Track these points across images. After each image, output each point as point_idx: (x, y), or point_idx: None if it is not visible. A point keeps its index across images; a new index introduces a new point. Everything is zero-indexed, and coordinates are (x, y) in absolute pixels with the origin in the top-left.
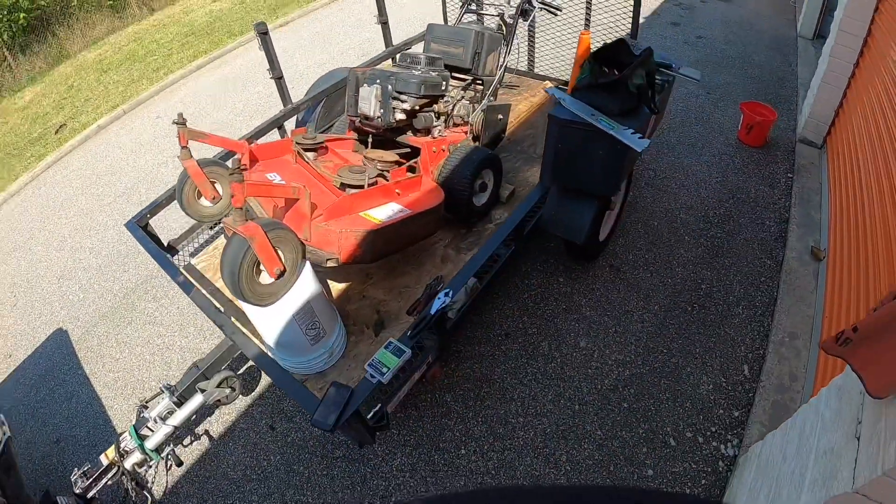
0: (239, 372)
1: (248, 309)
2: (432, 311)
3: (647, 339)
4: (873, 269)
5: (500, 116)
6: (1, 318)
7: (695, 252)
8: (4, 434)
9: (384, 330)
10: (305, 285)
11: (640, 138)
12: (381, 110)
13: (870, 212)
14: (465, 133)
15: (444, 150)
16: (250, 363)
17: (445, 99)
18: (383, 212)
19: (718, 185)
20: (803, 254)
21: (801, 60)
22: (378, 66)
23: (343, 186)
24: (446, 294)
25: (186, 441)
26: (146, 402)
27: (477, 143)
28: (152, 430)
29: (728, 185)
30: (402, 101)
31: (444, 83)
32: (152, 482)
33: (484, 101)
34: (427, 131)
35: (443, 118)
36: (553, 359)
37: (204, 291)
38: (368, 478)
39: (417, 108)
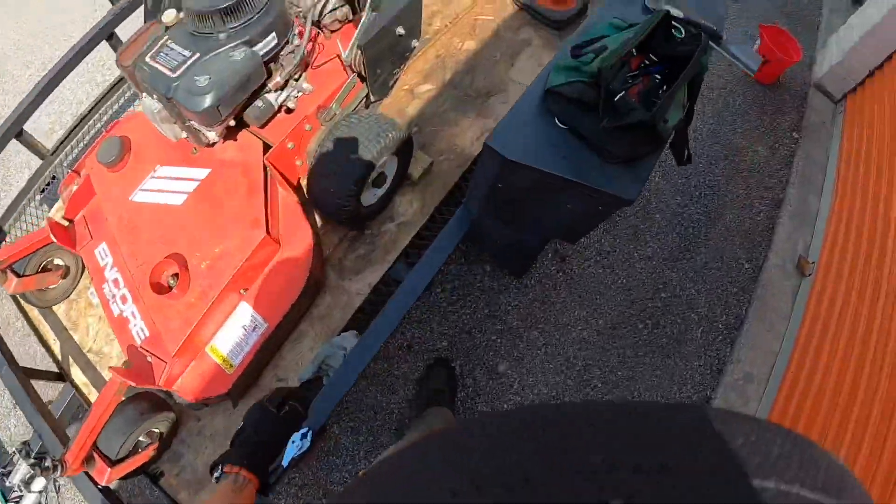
0: None
1: None
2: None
3: (584, 367)
4: (870, 305)
5: (400, 32)
6: None
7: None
8: None
9: None
10: None
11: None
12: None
13: (884, 215)
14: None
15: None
16: None
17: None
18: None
19: (710, 138)
20: (787, 262)
21: None
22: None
23: None
24: (303, 437)
25: None
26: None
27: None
28: None
29: (721, 139)
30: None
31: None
32: None
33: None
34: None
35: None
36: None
37: None
38: None
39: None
